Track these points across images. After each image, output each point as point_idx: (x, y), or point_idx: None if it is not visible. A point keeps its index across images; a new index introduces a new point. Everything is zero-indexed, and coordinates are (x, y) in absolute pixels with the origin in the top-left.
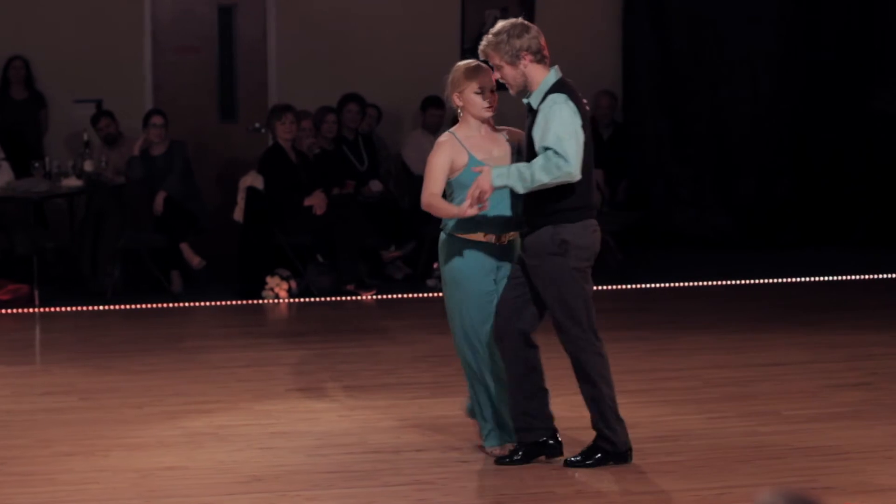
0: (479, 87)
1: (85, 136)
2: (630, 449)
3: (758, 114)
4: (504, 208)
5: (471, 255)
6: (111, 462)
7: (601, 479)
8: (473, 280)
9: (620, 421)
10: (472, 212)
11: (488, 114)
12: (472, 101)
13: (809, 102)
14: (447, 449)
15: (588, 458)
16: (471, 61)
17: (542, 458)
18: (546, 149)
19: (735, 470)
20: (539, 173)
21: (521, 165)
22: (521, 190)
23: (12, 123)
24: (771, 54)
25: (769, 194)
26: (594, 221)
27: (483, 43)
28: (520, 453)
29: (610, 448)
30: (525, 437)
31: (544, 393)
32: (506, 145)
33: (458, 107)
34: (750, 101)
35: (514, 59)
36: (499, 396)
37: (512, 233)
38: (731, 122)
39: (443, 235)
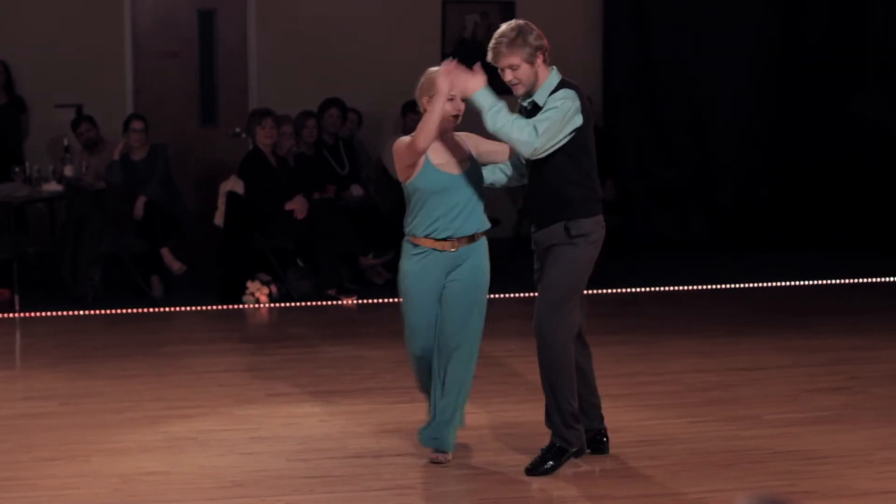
0: (451, 94)
1: (65, 141)
2: (583, 447)
3: (739, 117)
4: (458, 216)
5: (420, 265)
6: (92, 467)
7: (581, 483)
8: (419, 290)
9: (578, 421)
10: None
11: (453, 122)
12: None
13: (791, 106)
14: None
15: (546, 460)
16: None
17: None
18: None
19: (716, 474)
20: (512, 126)
21: (507, 110)
22: (487, 122)
23: None
24: (752, 58)
25: (750, 198)
26: (601, 217)
27: (497, 42)
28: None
29: (565, 446)
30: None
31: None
32: (465, 151)
33: (425, 110)
34: (731, 105)
35: (532, 58)
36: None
37: (463, 239)
38: (712, 126)
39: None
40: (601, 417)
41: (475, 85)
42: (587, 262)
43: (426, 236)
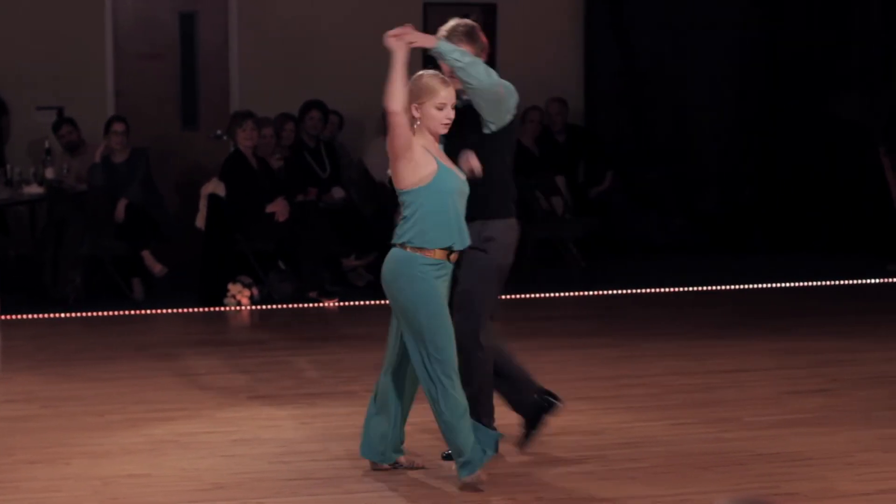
0: (442, 102)
1: (46, 144)
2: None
3: (721, 120)
4: (461, 223)
5: (442, 282)
6: (74, 470)
7: (564, 486)
8: (440, 298)
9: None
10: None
11: (444, 129)
12: (431, 114)
13: (772, 109)
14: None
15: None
16: (435, 73)
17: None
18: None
19: (698, 476)
20: (477, 64)
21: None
22: (454, 59)
23: None
24: (734, 60)
25: (732, 201)
26: (515, 220)
27: (454, 32)
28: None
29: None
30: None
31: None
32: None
33: (416, 118)
34: (713, 108)
35: (481, 53)
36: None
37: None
38: (694, 128)
39: (399, 252)
40: (533, 382)
41: (432, 39)
42: (497, 270)
43: (444, 248)
